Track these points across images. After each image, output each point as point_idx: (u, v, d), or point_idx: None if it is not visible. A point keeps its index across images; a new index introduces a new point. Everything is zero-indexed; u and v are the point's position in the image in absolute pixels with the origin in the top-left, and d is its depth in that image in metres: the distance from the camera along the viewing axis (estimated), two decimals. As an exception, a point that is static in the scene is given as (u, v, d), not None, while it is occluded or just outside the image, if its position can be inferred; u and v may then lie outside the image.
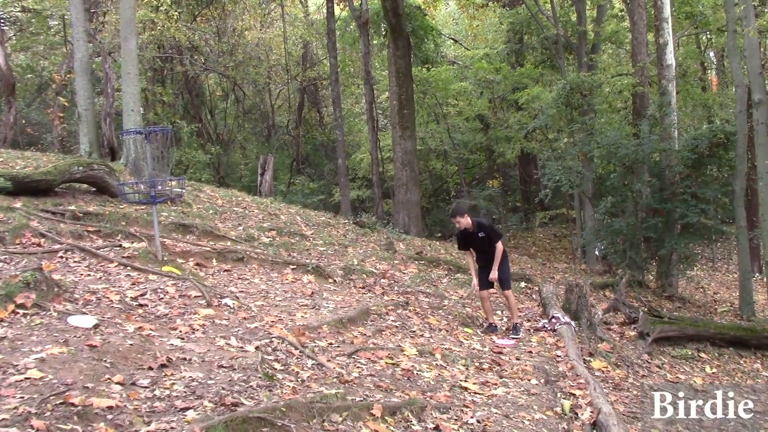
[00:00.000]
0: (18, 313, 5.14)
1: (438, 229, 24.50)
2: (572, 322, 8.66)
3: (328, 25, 21.16)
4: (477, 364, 6.76)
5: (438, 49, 26.36)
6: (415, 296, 9.28)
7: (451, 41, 30.82)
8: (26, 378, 4.08)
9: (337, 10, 23.27)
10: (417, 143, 20.24)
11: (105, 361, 4.61)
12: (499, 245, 8.24)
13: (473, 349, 7.42)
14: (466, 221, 8.25)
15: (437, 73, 22.67)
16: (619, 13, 22.79)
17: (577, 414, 5.70)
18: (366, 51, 22.08)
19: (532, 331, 8.70)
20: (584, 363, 7.30)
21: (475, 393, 5.78)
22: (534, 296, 11.18)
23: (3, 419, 3.45)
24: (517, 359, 7.26)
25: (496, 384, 6.18)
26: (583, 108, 16.27)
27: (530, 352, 7.65)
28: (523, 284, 12.04)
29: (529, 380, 6.50)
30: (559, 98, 15.87)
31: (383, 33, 23.07)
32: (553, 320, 8.77)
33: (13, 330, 4.83)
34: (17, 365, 4.25)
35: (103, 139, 16.83)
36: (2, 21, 24.86)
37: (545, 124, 17.80)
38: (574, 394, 6.18)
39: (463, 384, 5.94)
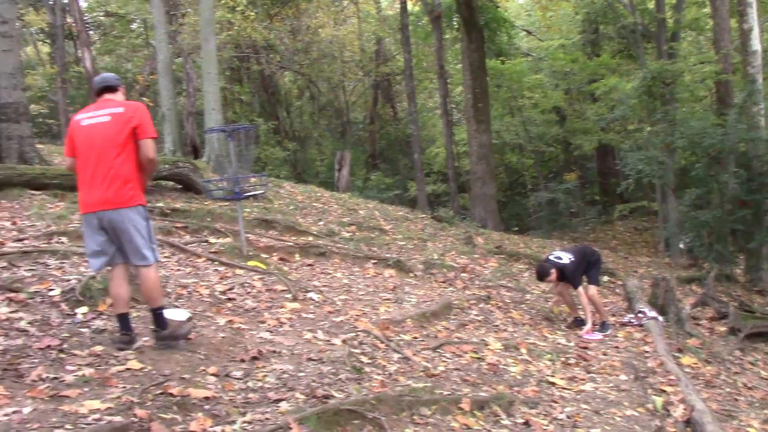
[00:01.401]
0: (116, 306, 5.33)
1: (515, 223, 24.24)
2: (660, 317, 8.43)
3: (402, 21, 21.15)
4: (563, 359, 6.65)
5: (511, 42, 26.02)
6: (496, 290, 9.20)
7: (525, 33, 30.39)
8: (127, 368, 4.22)
9: (409, 6, 23.24)
10: (492, 136, 20.05)
11: (199, 353, 4.74)
12: (580, 293, 7.95)
13: (558, 343, 7.31)
14: (553, 278, 8.00)
15: (511, 66, 22.39)
16: (700, -1, 22.02)
17: (669, 411, 5.54)
18: (439, 45, 21.97)
19: (617, 326, 8.51)
20: (674, 359, 7.10)
21: (563, 388, 5.69)
22: (618, 290, 10.94)
23: (108, 408, 3.58)
24: (604, 354, 7.11)
25: (584, 379, 6.07)
26: (666, 97, 15.78)
27: (617, 347, 7.48)
28: (605, 278, 11.78)
29: (617, 376, 6.35)
30: (640, 88, 15.43)
31: (456, 27, 22.93)
32: (640, 315, 8.56)
33: (112, 323, 5.00)
34: (118, 356, 4.41)
35: (186, 137, 17.32)
36: (87, 25, 25.78)
37: (625, 114, 17.35)
38: (665, 391, 6.01)
39: (551, 379, 5.86)
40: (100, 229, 4.51)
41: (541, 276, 8.15)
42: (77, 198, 4.64)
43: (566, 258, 8.01)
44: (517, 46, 27.33)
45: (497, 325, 7.57)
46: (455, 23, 22.55)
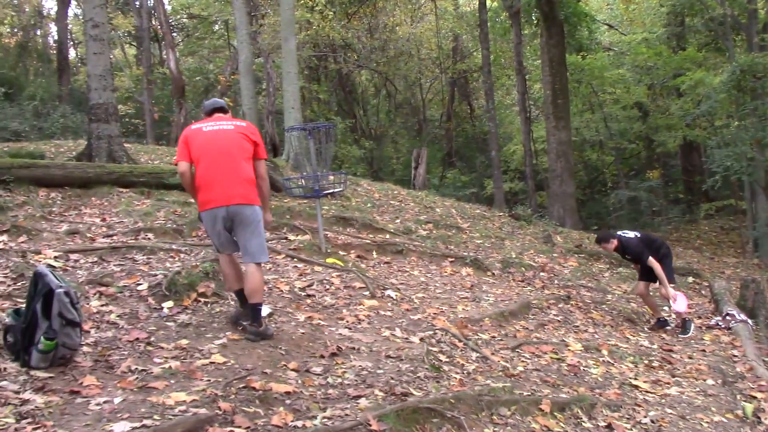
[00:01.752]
0: (200, 301, 5.48)
1: (594, 222, 23.73)
2: (749, 321, 8.12)
3: (480, 17, 20.98)
4: (646, 361, 6.48)
5: (592, 36, 25.46)
6: (576, 290, 9.03)
7: (606, 27, 29.70)
8: (211, 362, 4.33)
9: (488, 1, 23.04)
10: (571, 133, 19.69)
11: (280, 348, 4.81)
12: (651, 262, 7.75)
13: (641, 346, 7.13)
14: (612, 246, 7.98)
15: (592, 61, 21.90)
16: (795, -12, 21.04)
17: (759, 418, 5.33)
18: (518, 41, 21.72)
19: (704, 328, 8.23)
20: (764, 364, 6.82)
21: (647, 392, 5.54)
22: (703, 292, 10.59)
23: (193, 400, 3.67)
24: (690, 358, 6.90)
25: (668, 383, 5.89)
26: (757, 92, 15.17)
27: (703, 350, 7.24)
28: (690, 279, 11.42)
29: (704, 380, 6.15)
30: (729, 82, 14.88)
31: (535, 22, 22.61)
32: (728, 318, 8.26)
33: (197, 317, 5.15)
34: (202, 350, 4.52)
35: (265, 136, 17.61)
36: (172, 28, 26.55)
37: (712, 110, 16.76)
38: (755, 397, 5.78)
39: (633, 382, 5.71)
40: (224, 224, 4.82)
41: (600, 240, 8.14)
42: (200, 198, 4.89)
43: (632, 234, 8.02)
44: (597, 40, 26.72)
45: (577, 326, 7.43)
46: (534, 18, 22.24)
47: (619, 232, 8.18)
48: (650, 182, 23.07)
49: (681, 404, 5.39)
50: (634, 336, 7.51)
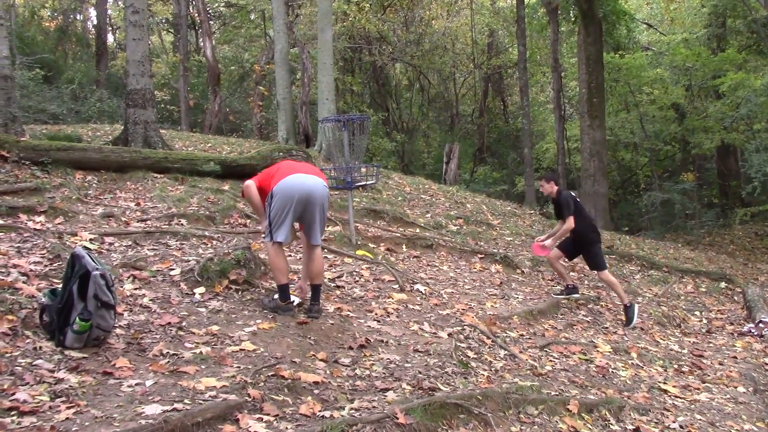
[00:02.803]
0: (231, 288, 5.52)
1: (625, 223, 23.47)
2: (783, 328, 7.99)
3: (518, 12, 20.81)
4: (676, 366, 6.41)
5: (630, 35, 25.14)
6: (606, 292, 8.94)
7: (645, 26, 29.29)
8: (241, 349, 4.37)
9: (525, -3, 22.87)
10: (606, 133, 19.47)
11: (309, 338, 4.84)
12: (569, 221, 7.64)
13: (671, 350, 7.06)
14: (550, 188, 7.87)
15: (630, 60, 21.61)
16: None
17: (791, 428, 5.25)
18: (555, 38, 21.52)
19: (736, 335, 8.12)
20: (797, 373, 6.71)
21: (676, 396, 5.48)
22: (736, 298, 10.43)
23: (223, 386, 3.71)
24: (720, 364, 6.80)
25: (698, 388, 5.83)
26: (798, 95, 14.91)
27: (735, 357, 7.13)
28: (723, 285, 11.25)
29: (735, 387, 6.06)
30: (770, 85, 14.64)
31: (573, 19, 22.37)
32: (761, 325, 8.14)
33: (228, 304, 5.19)
34: (233, 337, 4.56)
35: (299, 126, 17.67)
36: (209, 15, 26.73)
37: (751, 113, 16.48)
38: (787, 407, 5.69)
39: (662, 386, 5.66)
40: (300, 207, 5.15)
41: (546, 178, 8.01)
42: (285, 180, 5.17)
43: (574, 194, 8.05)
44: (636, 39, 26.37)
45: (606, 327, 7.38)
46: (572, 15, 22.00)
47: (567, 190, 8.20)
48: (684, 185, 22.74)
49: (711, 411, 5.32)
50: (664, 340, 7.43)
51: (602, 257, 8.05)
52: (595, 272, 8.20)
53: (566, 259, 8.41)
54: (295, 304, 5.38)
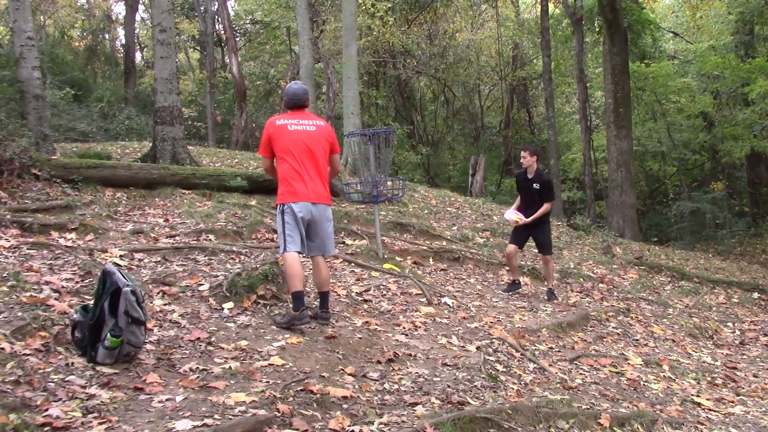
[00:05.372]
0: (259, 303, 5.55)
1: (654, 233, 23.22)
2: (818, 340, 7.84)
3: (542, 24, 20.80)
4: (709, 378, 6.31)
5: (656, 44, 24.99)
6: (636, 303, 8.86)
7: (671, 35, 29.08)
8: (270, 364, 4.38)
9: (550, 8, 22.81)
10: (633, 143, 19.33)
11: (337, 352, 4.84)
12: (547, 205, 7.90)
13: (703, 362, 6.95)
14: (531, 161, 7.95)
15: (657, 69, 21.46)
16: None
17: (829, 442, 5.14)
18: (579, 48, 21.45)
19: (770, 346, 7.98)
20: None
21: (710, 410, 5.39)
22: (770, 309, 10.27)
23: (253, 401, 3.72)
24: (755, 376, 6.69)
25: (732, 402, 5.73)
26: (830, 102, 14.67)
27: (769, 369, 7.02)
28: (756, 295, 11.07)
29: (770, 400, 5.96)
30: (800, 92, 14.43)
31: (597, 29, 22.30)
32: (795, 336, 8.00)
33: (256, 319, 5.22)
34: (261, 351, 4.58)
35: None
36: (235, 32, 27.00)
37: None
38: (824, 420, 5.57)
39: (696, 399, 5.57)
40: (305, 218, 5.23)
41: (529, 150, 8.10)
42: (282, 190, 5.29)
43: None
44: (662, 48, 26.18)
45: (637, 340, 7.29)
46: (597, 26, 21.94)
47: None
48: (714, 194, 22.47)
49: (746, 424, 5.22)
50: (696, 352, 7.32)
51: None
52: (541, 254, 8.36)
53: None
54: (309, 313, 5.37)
